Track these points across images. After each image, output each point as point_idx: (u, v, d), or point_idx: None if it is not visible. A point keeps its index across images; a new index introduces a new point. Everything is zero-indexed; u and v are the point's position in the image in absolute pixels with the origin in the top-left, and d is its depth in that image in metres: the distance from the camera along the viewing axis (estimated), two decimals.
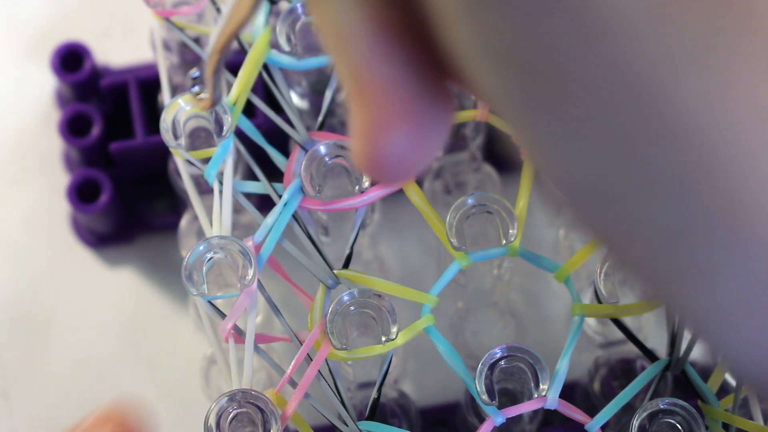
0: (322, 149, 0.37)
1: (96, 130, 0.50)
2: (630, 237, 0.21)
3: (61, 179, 0.52)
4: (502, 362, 0.36)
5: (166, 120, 0.37)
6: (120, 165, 0.50)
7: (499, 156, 0.48)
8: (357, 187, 0.37)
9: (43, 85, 0.53)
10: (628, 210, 0.21)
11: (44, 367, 0.50)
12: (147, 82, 0.49)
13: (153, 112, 0.49)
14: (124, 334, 0.50)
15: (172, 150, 0.38)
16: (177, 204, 0.50)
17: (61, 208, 0.52)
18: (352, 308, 0.36)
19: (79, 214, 0.50)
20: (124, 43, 0.53)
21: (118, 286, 0.51)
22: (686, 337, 0.38)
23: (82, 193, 0.49)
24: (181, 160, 0.39)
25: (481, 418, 0.37)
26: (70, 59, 0.50)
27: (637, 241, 0.21)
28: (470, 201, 0.37)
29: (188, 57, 0.46)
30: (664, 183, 0.20)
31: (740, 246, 0.20)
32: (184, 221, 0.47)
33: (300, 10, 0.39)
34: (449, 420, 0.47)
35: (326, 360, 0.37)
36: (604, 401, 0.38)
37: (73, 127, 0.50)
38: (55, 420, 0.49)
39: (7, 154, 0.53)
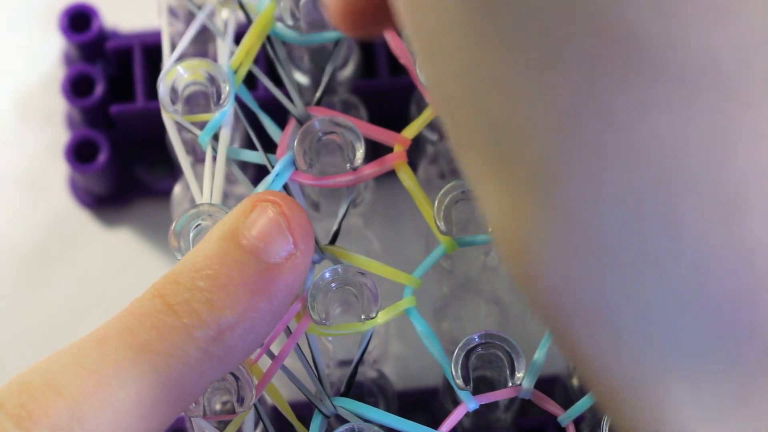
0: (317, 124, 0.37)
1: (98, 92, 0.50)
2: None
3: (62, 139, 0.52)
4: (479, 348, 0.36)
5: (164, 84, 0.37)
6: (120, 128, 0.50)
7: None
8: (349, 165, 0.37)
9: (51, 46, 0.53)
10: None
11: (39, 326, 0.50)
12: (152, 48, 0.49)
13: (156, 78, 0.49)
14: (119, 295, 0.50)
15: (166, 114, 0.38)
16: (175, 170, 0.51)
17: (60, 168, 0.52)
18: (333, 285, 0.36)
19: (77, 174, 0.50)
20: (135, 9, 0.53)
21: (114, 248, 0.51)
22: None
23: (80, 153, 0.50)
24: (171, 124, 0.39)
25: (458, 405, 0.37)
26: (79, 20, 0.50)
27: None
28: (461, 186, 0.37)
29: None
30: None
31: None
32: (178, 188, 0.47)
33: None
34: (427, 404, 0.47)
35: (306, 335, 0.37)
36: (581, 397, 0.38)
37: (77, 88, 0.50)
38: None
39: (11, 112, 0.53)
